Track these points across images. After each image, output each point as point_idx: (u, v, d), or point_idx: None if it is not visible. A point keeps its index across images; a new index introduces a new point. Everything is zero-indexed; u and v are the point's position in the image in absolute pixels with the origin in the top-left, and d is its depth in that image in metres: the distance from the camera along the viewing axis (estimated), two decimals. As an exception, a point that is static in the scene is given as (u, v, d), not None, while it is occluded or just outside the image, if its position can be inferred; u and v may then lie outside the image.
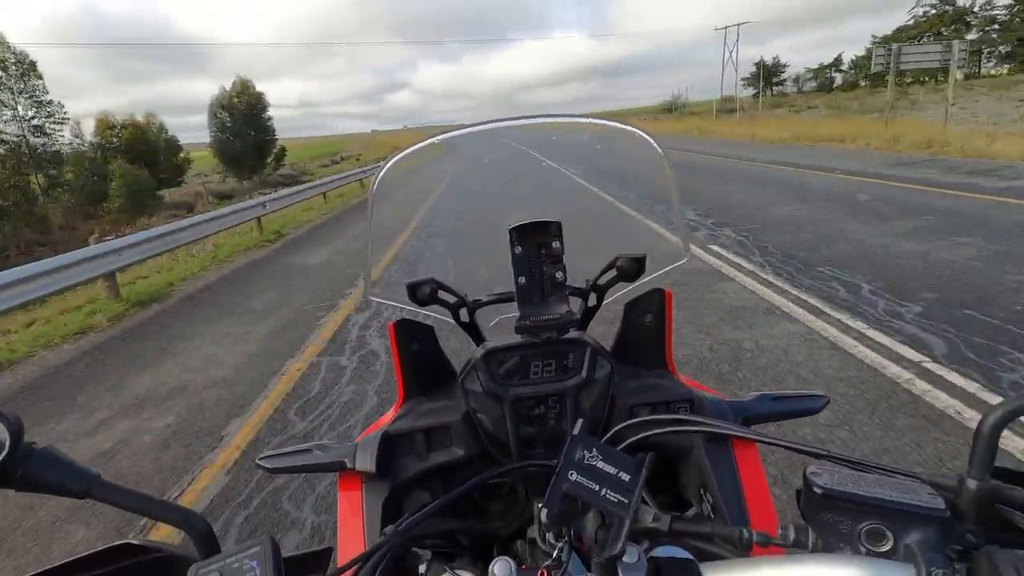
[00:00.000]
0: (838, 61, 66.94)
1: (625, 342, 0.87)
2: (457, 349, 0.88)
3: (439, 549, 0.70)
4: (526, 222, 0.78)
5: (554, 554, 0.46)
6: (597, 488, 0.44)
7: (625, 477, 0.45)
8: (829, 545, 0.41)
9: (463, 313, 0.87)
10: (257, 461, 0.74)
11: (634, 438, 0.64)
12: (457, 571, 0.52)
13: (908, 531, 0.39)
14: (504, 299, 0.85)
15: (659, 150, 0.86)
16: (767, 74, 68.16)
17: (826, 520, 0.41)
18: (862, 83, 58.09)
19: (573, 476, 0.45)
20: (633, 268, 0.82)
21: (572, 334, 0.77)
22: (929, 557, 0.37)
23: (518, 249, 0.78)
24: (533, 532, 0.69)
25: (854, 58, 62.67)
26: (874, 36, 57.18)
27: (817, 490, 0.41)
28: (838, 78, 67.30)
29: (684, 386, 0.80)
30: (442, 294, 0.83)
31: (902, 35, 50.03)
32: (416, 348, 0.83)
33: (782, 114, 41.46)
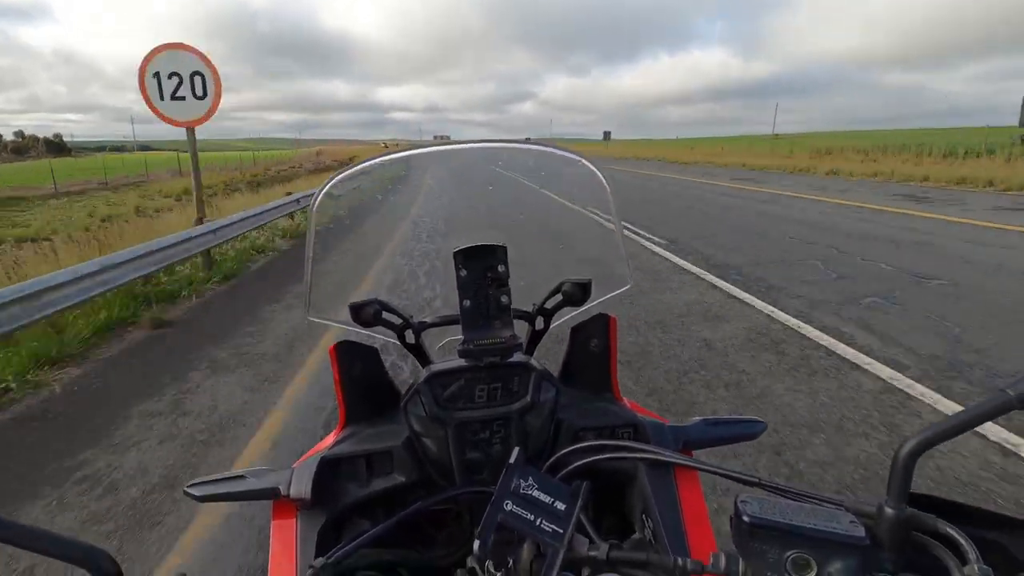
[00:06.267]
0: None
1: (571, 366, 0.87)
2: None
3: None
4: (470, 245, 0.77)
5: None
6: (532, 518, 0.44)
7: (561, 507, 0.44)
8: (758, 573, 0.42)
9: (409, 335, 0.84)
10: (185, 489, 0.69)
11: (577, 463, 0.64)
12: None
13: (831, 559, 0.40)
14: (450, 321, 0.84)
15: (604, 182, 0.86)
16: None
17: (755, 549, 0.41)
18: None
19: (508, 506, 0.44)
20: (578, 293, 0.82)
21: (517, 357, 0.76)
22: None
23: (463, 272, 0.77)
24: (473, 562, 0.67)
25: None
26: None
27: (746, 519, 0.41)
28: None
29: (628, 411, 0.81)
30: (387, 315, 0.80)
31: None
32: (359, 371, 0.80)
33: None
